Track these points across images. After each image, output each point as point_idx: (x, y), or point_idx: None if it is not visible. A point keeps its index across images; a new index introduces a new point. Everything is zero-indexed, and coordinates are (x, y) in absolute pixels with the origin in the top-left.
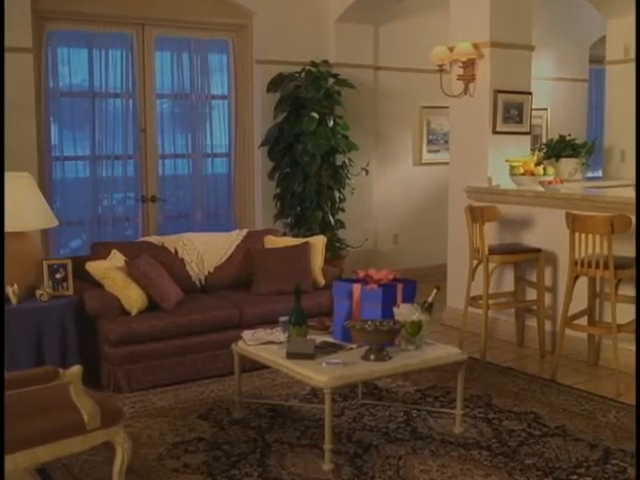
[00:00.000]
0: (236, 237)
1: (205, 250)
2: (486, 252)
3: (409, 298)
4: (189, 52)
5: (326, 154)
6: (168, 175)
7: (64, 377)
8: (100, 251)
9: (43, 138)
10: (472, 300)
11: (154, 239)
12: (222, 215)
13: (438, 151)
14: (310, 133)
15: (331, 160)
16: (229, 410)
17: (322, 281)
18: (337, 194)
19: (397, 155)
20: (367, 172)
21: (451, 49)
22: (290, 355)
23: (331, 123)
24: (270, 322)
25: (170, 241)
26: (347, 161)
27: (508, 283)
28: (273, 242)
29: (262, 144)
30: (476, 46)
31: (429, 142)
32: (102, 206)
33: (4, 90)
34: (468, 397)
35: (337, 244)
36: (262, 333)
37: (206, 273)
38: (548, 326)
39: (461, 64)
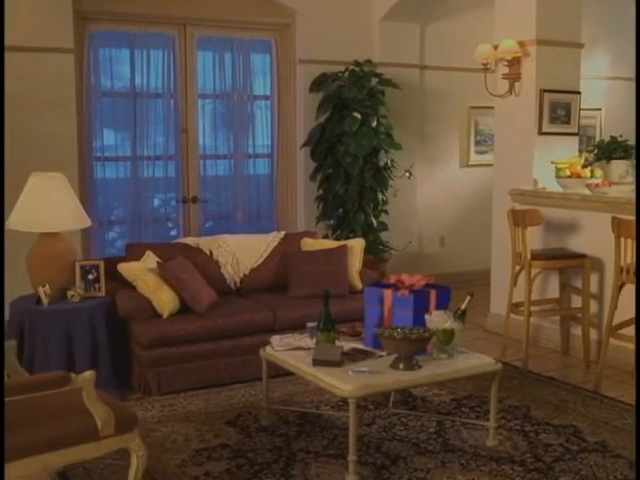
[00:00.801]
0: (273, 239)
1: (241, 252)
2: (528, 257)
3: (443, 305)
4: (231, 52)
5: (369, 155)
6: (209, 176)
7: (76, 382)
8: (135, 252)
9: (84, 138)
10: (514, 307)
11: (189, 240)
12: (264, 216)
13: (486, 152)
14: (352, 134)
15: (374, 161)
16: (257, 417)
17: (359, 285)
18: (380, 196)
19: (443, 156)
20: (410, 174)
21: (496, 47)
22: (316, 362)
23: (374, 123)
24: (304, 327)
25: (205, 243)
26: (390, 162)
27: (553, 289)
28: (310, 245)
29: (304, 145)
30: (522, 44)
31: (477, 143)
32: (143, 207)
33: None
34: (505, 408)
35: (380, 246)
36: (291, 338)
37: (241, 275)
38: (594, 334)
39: (506, 63)
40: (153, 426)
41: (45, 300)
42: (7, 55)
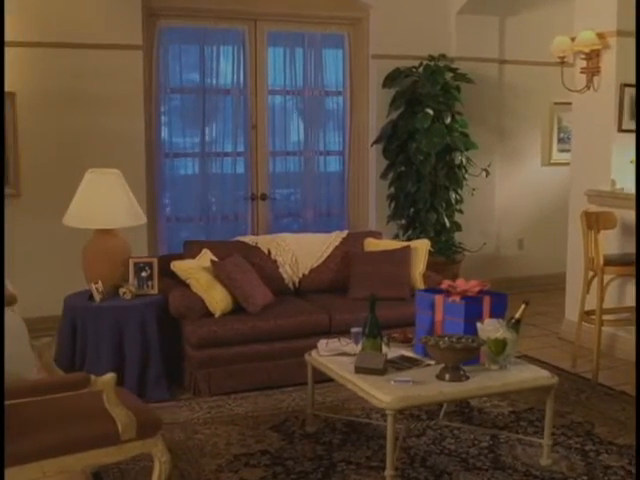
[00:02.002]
0: (335, 239)
1: (300, 251)
2: (601, 263)
3: (498, 313)
4: (302, 47)
5: (442, 153)
6: (279, 173)
7: (96, 384)
8: (192, 249)
9: (152, 135)
10: (586, 315)
11: (248, 239)
12: (334, 215)
13: (569, 150)
14: (424, 130)
15: (447, 159)
16: (304, 422)
17: (422, 288)
18: (453, 195)
19: (524, 154)
20: (488, 173)
21: (573, 39)
22: (358, 370)
23: (448, 120)
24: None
25: (264, 241)
26: (465, 160)
27: (630, 297)
28: (374, 245)
29: (375, 142)
30: (601, 36)
31: (560, 140)
32: (211, 203)
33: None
34: (567, 423)
35: (453, 247)
36: (337, 343)
37: (300, 275)
38: None
39: (584, 56)
40: (197, 428)
41: (97, 297)
42: (76, 52)
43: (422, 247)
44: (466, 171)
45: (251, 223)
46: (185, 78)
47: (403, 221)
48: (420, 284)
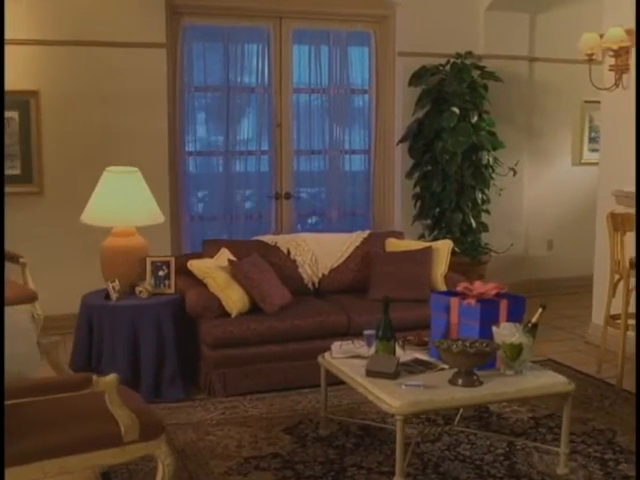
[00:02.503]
0: (356, 238)
1: (320, 251)
2: (627, 265)
3: (516, 316)
4: (328, 45)
5: (468, 152)
6: (303, 172)
7: (97, 385)
8: (211, 249)
9: (176, 133)
10: (611, 319)
11: (268, 238)
12: (359, 214)
13: None
14: (450, 129)
15: (474, 158)
16: (318, 425)
17: (443, 289)
18: (479, 195)
19: (553, 154)
20: (515, 172)
21: (602, 36)
22: (369, 373)
23: (475, 119)
24: None
25: (284, 241)
26: (492, 159)
27: None
28: (395, 245)
29: (401, 140)
30: (630, 32)
31: (591, 140)
32: (235, 202)
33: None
34: (588, 431)
35: (479, 248)
36: (351, 345)
37: (320, 276)
38: None
39: (612, 53)
40: (210, 429)
41: (113, 295)
42: (100, 50)
43: (444, 248)
44: (493, 170)
45: (275, 222)
46: (209, 76)
47: (429, 221)
48: (441, 285)
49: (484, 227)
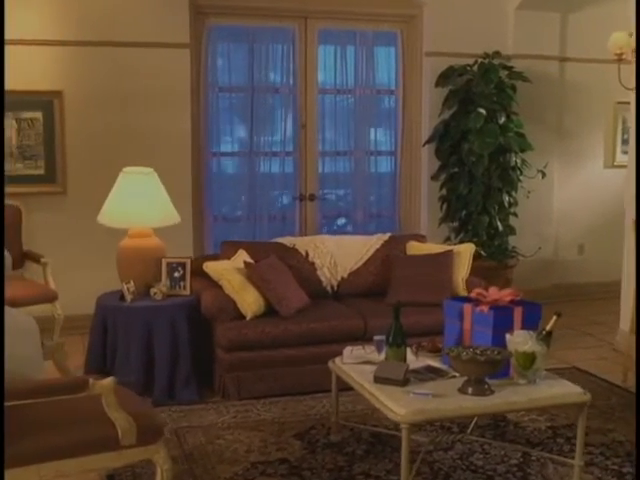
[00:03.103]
0: (376, 241)
1: (339, 254)
2: None
3: (531, 324)
4: (354, 45)
5: (495, 154)
6: (328, 173)
7: (94, 388)
8: (228, 250)
9: (200, 133)
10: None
11: (286, 240)
12: (385, 216)
13: None
14: (476, 131)
15: (501, 160)
16: (329, 431)
17: (464, 294)
18: (507, 197)
19: (585, 156)
20: (544, 174)
21: (632, 35)
22: (377, 379)
23: (502, 120)
24: None
25: (302, 243)
26: (520, 161)
27: None
28: (416, 248)
29: (427, 142)
30: None
31: (624, 142)
32: (259, 203)
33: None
34: (608, 442)
35: (506, 252)
36: (361, 351)
37: (339, 279)
38: None
39: None
40: (220, 433)
41: (128, 297)
42: (123, 51)
43: (466, 251)
44: (521, 173)
45: (299, 224)
46: (234, 77)
47: (455, 224)
48: (462, 289)
49: (511, 230)
